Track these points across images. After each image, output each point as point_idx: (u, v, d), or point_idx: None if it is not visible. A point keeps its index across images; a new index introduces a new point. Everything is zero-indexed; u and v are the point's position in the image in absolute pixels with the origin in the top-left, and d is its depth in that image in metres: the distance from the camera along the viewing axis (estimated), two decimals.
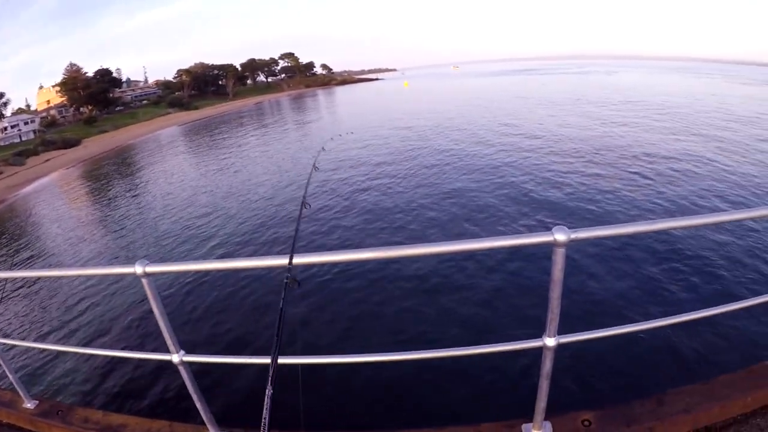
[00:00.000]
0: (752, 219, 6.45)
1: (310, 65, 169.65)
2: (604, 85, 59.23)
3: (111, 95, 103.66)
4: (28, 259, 16.06)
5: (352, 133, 29.16)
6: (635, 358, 5.79)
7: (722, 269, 8.06)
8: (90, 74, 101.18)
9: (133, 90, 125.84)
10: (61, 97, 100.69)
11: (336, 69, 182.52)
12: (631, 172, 14.38)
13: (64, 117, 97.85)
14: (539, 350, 2.00)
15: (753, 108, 29.45)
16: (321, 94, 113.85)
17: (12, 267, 15.25)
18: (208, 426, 2.49)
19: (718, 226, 9.41)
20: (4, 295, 11.36)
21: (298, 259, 1.84)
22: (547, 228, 1.78)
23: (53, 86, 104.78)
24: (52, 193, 31.20)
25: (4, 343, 3.20)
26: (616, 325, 2.10)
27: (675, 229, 1.95)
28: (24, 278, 12.35)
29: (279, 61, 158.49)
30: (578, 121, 26.13)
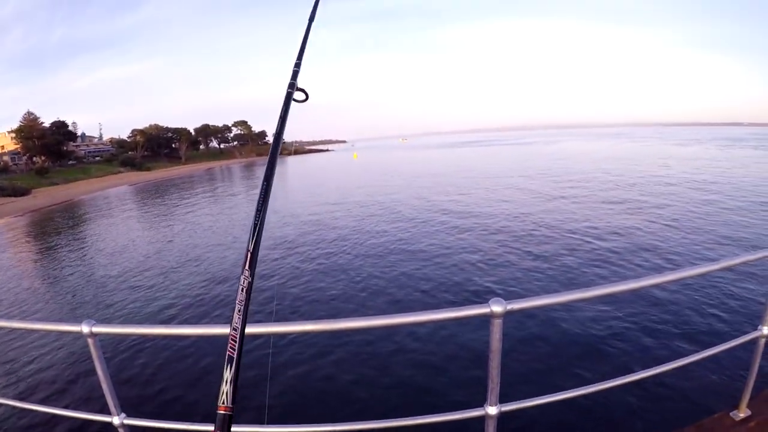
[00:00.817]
0: (683, 279, 6.78)
1: (263, 134, 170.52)
2: (542, 155, 61.99)
3: (65, 148, 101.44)
4: None
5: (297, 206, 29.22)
6: (584, 422, 5.84)
7: (660, 328, 8.33)
8: (46, 125, 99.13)
9: (87, 145, 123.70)
10: (16, 144, 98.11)
11: (287, 139, 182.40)
12: (564, 244, 14.85)
13: (16, 165, 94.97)
14: (483, 419, 2.02)
15: (686, 168, 31.55)
16: None
17: None
18: None
19: (654, 288, 9.78)
20: None
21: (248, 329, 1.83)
22: (484, 300, 1.84)
23: (9, 132, 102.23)
24: None
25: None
26: (558, 391, 2.16)
27: (607, 295, 2.05)
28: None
29: (232, 128, 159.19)
30: (513, 195, 26.98)
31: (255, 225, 1.51)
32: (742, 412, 2.70)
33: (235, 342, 1.31)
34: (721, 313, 8.73)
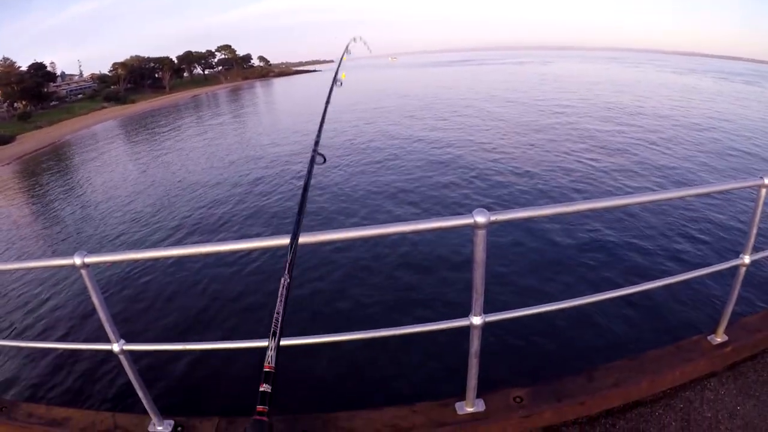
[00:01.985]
0: (667, 200, 6.78)
1: (248, 57, 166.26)
2: (538, 75, 60.93)
3: (45, 90, 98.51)
4: None
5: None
6: (564, 336, 6.01)
7: (645, 247, 8.50)
8: (24, 68, 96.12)
9: (68, 84, 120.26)
10: None
11: (274, 61, 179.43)
12: (554, 158, 15.04)
13: None
14: (468, 329, 2.07)
15: (674, 95, 31.38)
16: (259, 86, 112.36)
17: None
18: (151, 415, 2.46)
19: (637, 207, 9.89)
20: None
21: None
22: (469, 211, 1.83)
23: None
24: None
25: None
26: (541, 304, 2.19)
27: (593, 210, 2.05)
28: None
29: (216, 53, 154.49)
30: (508, 111, 26.85)
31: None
32: (719, 337, 2.76)
33: (278, 323, 1.35)
34: (705, 238, 8.86)
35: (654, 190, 10.24)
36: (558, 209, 1.96)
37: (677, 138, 17.77)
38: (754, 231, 2.43)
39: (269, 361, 1.31)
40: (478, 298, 1.98)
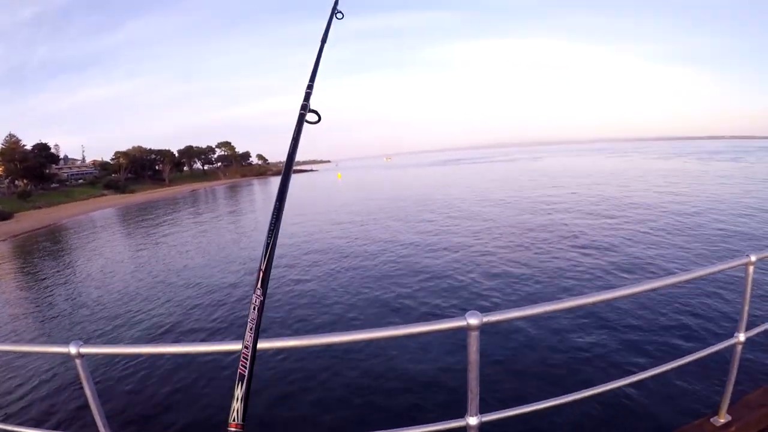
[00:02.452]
0: (656, 289, 6.91)
1: (247, 155, 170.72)
2: (530, 171, 62.68)
3: (47, 171, 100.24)
4: None
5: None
6: (562, 431, 5.89)
7: (638, 338, 8.46)
8: (28, 147, 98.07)
9: (70, 168, 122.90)
10: None
11: (271, 159, 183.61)
12: (545, 257, 15.08)
13: None
14: (464, 430, 2.07)
15: (664, 180, 32.27)
16: (257, 183, 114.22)
17: None
18: None
19: (627, 300, 9.95)
20: None
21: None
22: (461, 313, 1.89)
23: None
24: None
25: None
26: (538, 400, 2.20)
27: (583, 306, 2.11)
28: None
29: (216, 149, 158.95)
30: (497, 211, 27.26)
31: (267, 244, 1.54)
32: (722, 418, 2.75)
33: (247, 360, 1.34)
34: (698, 322, 8.87)
35: (643, 281, 10.33)
36: (549, 307, 2.02)
37: (665, 226, 18.07)
38: (746, 308, 2.48)
39: (235, 418, 1.30)
40: (473, 398, 1.99)
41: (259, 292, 1.45)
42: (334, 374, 8.40)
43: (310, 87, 2.08)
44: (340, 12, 2.56)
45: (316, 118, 1.98)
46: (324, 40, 2.37)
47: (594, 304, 2.02)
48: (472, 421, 2.02)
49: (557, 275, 12.94)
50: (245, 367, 1.33)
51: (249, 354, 1.35)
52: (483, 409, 2.05)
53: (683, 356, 2.55)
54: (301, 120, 1.94)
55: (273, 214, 1.61)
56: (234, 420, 1.27)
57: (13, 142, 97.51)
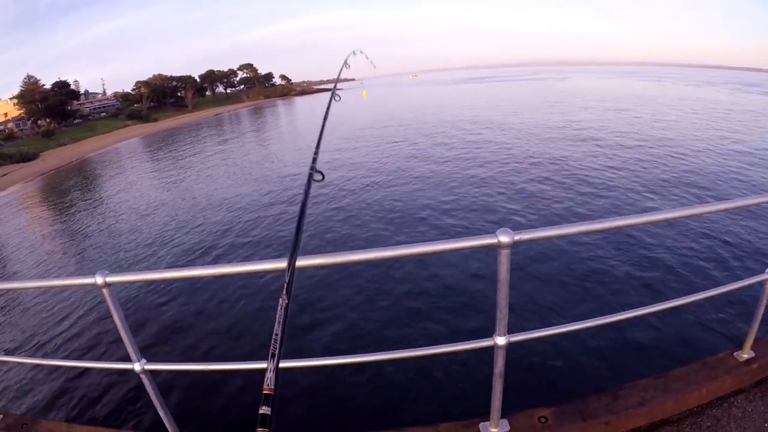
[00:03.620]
0: (694, 215, 6.66)
1: (269, 76, 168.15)
2: (557, 91, 60.86)
3: (69, 108, 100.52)
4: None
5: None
6: (589, 355, 5.92)
7: (670, 264, 8.35)
8: (48, 86, 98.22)
9: (92, 102, 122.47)
10: (19, 110, 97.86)
11: (295, 79, 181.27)
12: (576, 175, 14.81)
13: (21, 130, 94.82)
14: (492, 349, 2.06)
15: (692, 107, 31.17)
16: (280, 104, 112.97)
17: None
18: None
19: (663, 224, 9.79)
20: None
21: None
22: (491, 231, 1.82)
23: (10, 99, 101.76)
24: (12, 207, 30.26)
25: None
26: (566, 323, 2.17)
27: (618, 227, 2.02)
28: None
29: (238, 72, 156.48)
30: (520, 131, 26.56)
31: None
32: (746, 353, 2.70)
33: (276, 344, 1.35)
34: (729, 254, 8.68)
35: (681, 207, 10.11)
36: (583, 227, 1.94)
37: (704, 151, 17.47)
38: None
39: (268, 383, 1.31)
40: (502, 318, 1.96)
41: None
42: (358, 291, 8.55)
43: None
44: None
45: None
46: None
47: (629, 226, 1.93)
48: (500, 341, 2.01)
49: (591, 196, 12.72)
50: (275, 348, 1.34)
51: (279, 339, 1.37)
52: (511, 329, 2.02)
53: (712, 288, 2.46)
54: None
55: (296, 228, 1.68)
56: (267, 385, 1.29)
57: (31, 83, 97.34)
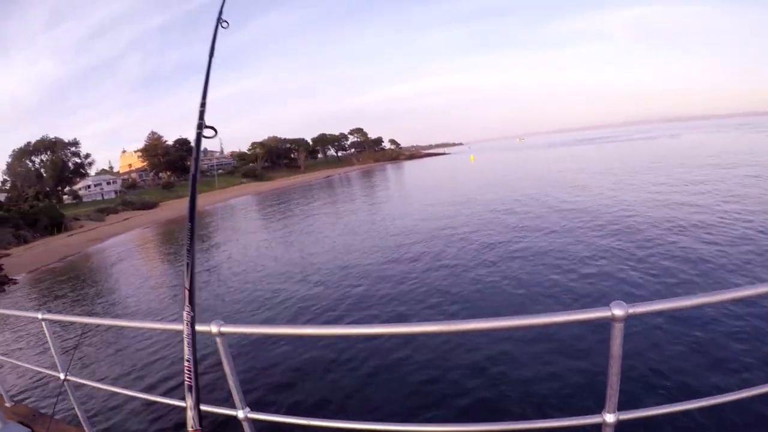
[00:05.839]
0: None
1: (379, 140, 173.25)
2: (671, 149, 57.94)
3: (188, 163, 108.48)
4: (104, 305, 17.24)
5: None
6: None
7: None
8: (170, 142, 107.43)
9: (210, 159, 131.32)
10: (142, 162, 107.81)
11: (404, 144, 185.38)
12: (690, 246, 13.66)
13: (143, 180, 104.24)
14: (599, 427, 1.96)
15: None
16: (390, 168, 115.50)
17: (87, 313, 16.28)
18: None
19: None
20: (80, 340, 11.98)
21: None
22: (605, 304, 1.78)
23: (135, 151, 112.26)
24: (129, 248, 32.77)
25: (77, 382, 3.42)
26: (681, 401, 2.04)
27: (740, 299, 1.89)
28: (100, 325, 13.01)
29: (348, 136, 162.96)
30: (633, 193, 25.36)
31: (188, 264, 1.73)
32: None
33: (191, 372, 1.40)
34: None
35: None
36: (701, 300, 1.83)
37: None
38: None
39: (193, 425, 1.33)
40: (612, 394, 1.87)
41: (188, 308, 1.65)
42: (468, 362, 8.38)
43: (203, 105, 2.21)
44: (226, 21, 2.42)
45: (213, 133, 2.19)
46: (211, 54, 2.33)
47: (752, 297, 1.81)
48: (609, 418, 1.91)
49: (707, 267, 11.76)
50: (191, 378, 1.46)
51: (191, 367, 1.51)
52: (620, 407, 1.92)
53: None
54: (198, 138, 2.15)
55: (186, 234, 1.82)
56: (192, 427, 1.40)
57: (155, 139, 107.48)
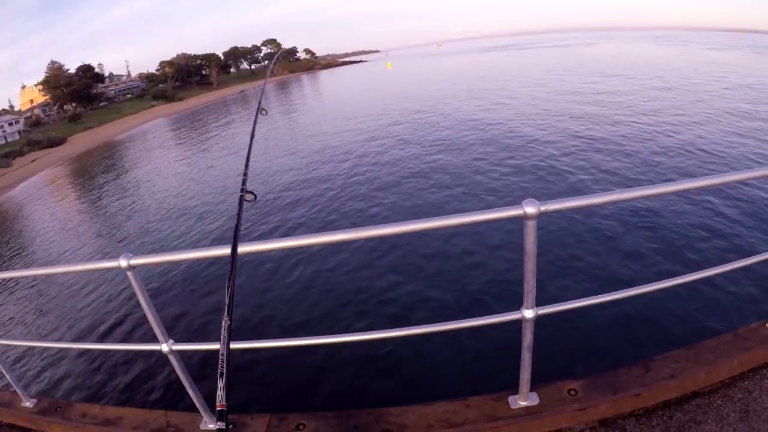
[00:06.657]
0: (722, 185, 6.45)
1: (293, 51, 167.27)
2: (581, 57, 59.37)
3: (94, 91, 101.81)
4: (16, 257, 16.38)
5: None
6: (619, 327, 5.87)
7: (698, 235, 8.17)
8: (72, 71, 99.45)
9: (117, 84, 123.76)
10: (44, 95, 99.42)
11: (319, 53, 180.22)
12: (602, 144, 14.47)
13: (48, 116, 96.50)
14: (520, 322, 2.03)
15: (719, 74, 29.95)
16: (305, 78, 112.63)
17: (1, 268, 15.29)
18: (202, 413, 2.52)
19: (692, 193, 9.50)
20: None
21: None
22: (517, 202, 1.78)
23: (36, 85, 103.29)
24: (41, 192, 30.97)
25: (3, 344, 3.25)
26: (595, 294, 2.13)
27: (646, 197, 1.96)
28: (12, 278, 12.35)
29: (262, 47, 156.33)
30: (554, 95, 26.16)
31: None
32: None
33: (223, 362, 1.48)
34: (763, 222, 8.44)
35: (713, 174, 9.78)
36: (610, 197, 1.89)
37: (732, 119, 16.60)
38: None
39: (221, 400, 1.42)
40: (529, 291, 1.93)
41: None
42: (381, 265, 8.60)
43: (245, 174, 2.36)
44: None
45: (253, 197, 2.30)
46: None
47: (657, 196, 1.86)
48: (528, 314, 1.98)
49: (615, 164, 12.46)
50: (223, 363, 1.49)
51: (225, 356, 1.50)
52: (539, 302, 1.99)
53: (745, 257, 2.38)
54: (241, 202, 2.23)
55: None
56: (220, 401, 1.43)
57: (56, 68, 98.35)
